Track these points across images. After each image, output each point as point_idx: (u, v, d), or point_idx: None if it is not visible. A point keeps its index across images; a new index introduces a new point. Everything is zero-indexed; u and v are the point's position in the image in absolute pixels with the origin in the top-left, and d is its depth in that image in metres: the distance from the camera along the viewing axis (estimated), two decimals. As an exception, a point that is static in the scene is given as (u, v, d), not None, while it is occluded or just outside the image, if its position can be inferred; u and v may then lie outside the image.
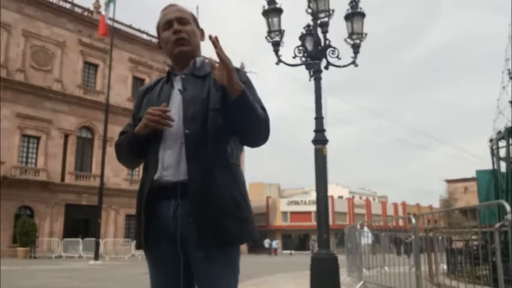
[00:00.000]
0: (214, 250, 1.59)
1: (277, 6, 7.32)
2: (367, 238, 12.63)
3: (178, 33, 1.75)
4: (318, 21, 7.19)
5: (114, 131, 31.45)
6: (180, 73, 1.78)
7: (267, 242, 44.80)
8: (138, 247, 1.74)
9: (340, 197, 54.88)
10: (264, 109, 1.70)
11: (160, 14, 1.84)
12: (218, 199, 1.60)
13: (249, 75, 1.82)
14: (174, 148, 1.65)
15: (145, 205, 1.67)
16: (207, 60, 1.67)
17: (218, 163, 1.64)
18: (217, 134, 1.65)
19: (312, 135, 6.88)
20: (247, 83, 1.74)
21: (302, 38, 7.30)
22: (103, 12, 23.66)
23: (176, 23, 1.77)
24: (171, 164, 1.65)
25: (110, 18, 24.13)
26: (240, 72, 1.76)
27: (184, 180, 1.61)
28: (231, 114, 1.60)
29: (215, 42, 1.53)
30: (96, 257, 20.14)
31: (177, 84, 1.76)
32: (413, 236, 6.68)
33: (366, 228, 13.24)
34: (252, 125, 1.65)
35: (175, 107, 1.70)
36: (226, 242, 1.62)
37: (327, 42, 7.20)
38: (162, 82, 1.84)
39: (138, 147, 1.75)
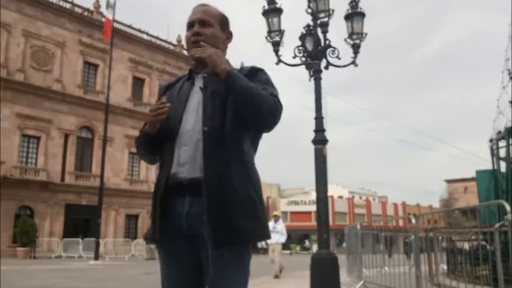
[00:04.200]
0: (227, 249, 1.58)
1: (277, 6, 7.33)
2: (279, 235, 11.35)
3: (197, 35, 1.78)
4: (318, 21, 7.20)
5: (114, 131, 31.53)
6: (202, 72, 1.80)
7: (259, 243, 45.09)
8: (148, 241, 1.75)
9: (340, 197, 54.84)
10: (274, 95, 1.70)
11: (190, 12, 1.88)
12: (233, 197, 1.60)
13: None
14: (190, 145, 1.67)
15: (160, 201, 1.68)
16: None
17: (234, 161, 1.64)
18: (234, 132, 1.66)
19: (312, 135, 6.89)
20: (263, 81, 1.75)
21: (302, 38, 7.30)
22: (108, 16, 23.64)
23: (197, 24, 1.80)
24: (186, 160, 1.66)
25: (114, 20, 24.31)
26: (262, 71, 1.80)
27: (200, 177, 1.61)
28: (231, 99, 1.64)
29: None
30: (96, 257, 20.12)
31: (198, 83, 1.78)
32: (413, 236, 6.68)
33: (280, 222, 11.84)
34: (249, 102, 1.62)
35: (194, 104, 1.73)
36: (240, 241, 1.62)
37: (327, 42, 7.20)
38: (183, 80, 1.87)
39: (150, 145, 1.77)
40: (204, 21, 1.80)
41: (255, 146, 1.79)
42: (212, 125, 1.65)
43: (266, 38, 7.36)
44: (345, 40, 7.37)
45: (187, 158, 1.66)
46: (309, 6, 7.28)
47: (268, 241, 12.06)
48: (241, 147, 1.68)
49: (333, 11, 7.19)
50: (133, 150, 34.13)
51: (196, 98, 1.74)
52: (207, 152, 1.63)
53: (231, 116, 1.66)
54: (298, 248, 46.06)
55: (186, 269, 1.67)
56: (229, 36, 1.90)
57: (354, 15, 7.33)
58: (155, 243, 1.73)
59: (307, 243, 48.67)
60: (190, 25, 1.82)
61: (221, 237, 1.56)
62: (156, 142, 1.75)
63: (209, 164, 1.61)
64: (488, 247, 5.69)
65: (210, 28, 1.81)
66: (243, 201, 1.62)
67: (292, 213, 49.74)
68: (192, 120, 1.69)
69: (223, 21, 1.87)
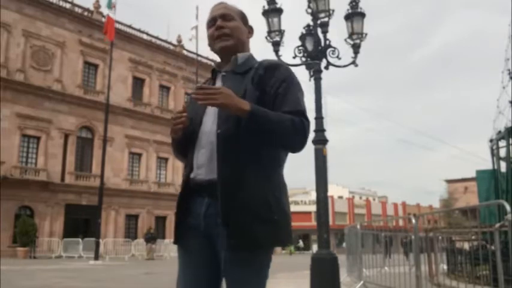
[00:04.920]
0: (242, 252, 1.56)
1: (277, 6, 7.32)
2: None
3: (220, 28, 1.77)
4: (318, 21, 7.19)
5: (114, 131, 31.52)
6: (222, 71, 1.78)
7: None
8: (174, 242, 1.76)
9: (340, 197, 54.88)
10: (300, 112, 1.62)
11: (209, 13, 1.86)
12: (247, 199, 1.57)
13: None
14: (207, 147, 1.66)
15: (179, 201, 1.71)
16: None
17: (250, 162, 1.61)
18: (250, 133, 1.61)
19: (312, 135, 6.88)
20: (287, 81, 1.69)
21: (302, 38, 7.30)
22: (111, 15, 23.63)
23: (220, 19, 1.78)
24: (203, 162, 1.66)
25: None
26: (281, 68, 1.73)
27: (216, 178, 1.61)
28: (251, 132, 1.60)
29: (196, 94, 1.57)
30: (96, 257, 20.13)
31: (218, 82, 1.77)
32: (413, 236, 6.68)
33: None
34: (274, 140, 1.62)
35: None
36: (254, 245, 1.58)
37: (327, 42, 7.20)
38: (209, 81, 1.85)
39: (180, 148, 1.79)
40: (226, 15, 1.79)
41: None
42: (226, 127, 1.62)
43: (266, 38, 7.35)
44: (345, 40, 7.37)
45: (204, 160, 1.66)
46: (309, 6, 7.28)
47: None
48: (259, 148, 1.64)
49: (333, 11, 7.18)
50: (133, 150, 34.25)
51: None
52: (220, 154, 1.61)
53: None
54: (292, 248, 46.19)
55: (203, 268, 1.67)
56: (250, 31, 1.88)
57: (354, 15, 7.32)
58: (176, 243, 1.73)
59: (300, 243, 48.82)
60: (212, 22, 1.80)
61: (235, 240, 1.55)
62: (184, 145, 1.76)
63: (222, 167, 1.60)
64: (488, 247, 5.69)
65: (233, 21, 1.79)
66: (258, 204, 1.58)
67: (292, 213, 48.93)
68: (210, 122, 1.68)
69: (243, 16, 1.86)
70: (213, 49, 1.83)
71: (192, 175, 1.69)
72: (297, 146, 1.66)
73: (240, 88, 1.66)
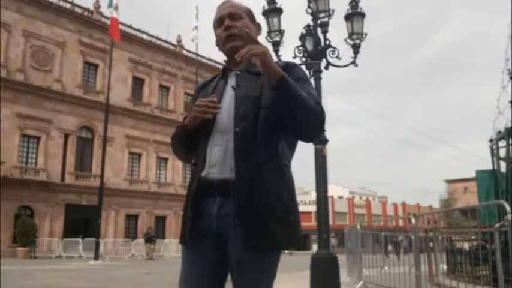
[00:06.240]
0: (256, 253, 1.53)
1: (277, 6, 7.33)
2: None
3: (229, 29, 1.73)
4: (318, 21, 7.19)
5: (114, 131, 31.52)
6: (235, 69, 1.75)
7: None
8: (180, 241, 1.71)
9: (340, 197, 54.86)
10: (318, 103, 1.63)
11: (215, 12, 1.83)
12: (264, 200, 1.55)
13: None
14: (221, 145, 1.63)
15: (191, 201, 1.66)
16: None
17: (266, 162, 1.59)
18: (267, 133, 1.61)
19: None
20: (303, 79, 1.70)
21: (302, 38, 7.30)
22: (115, 15, 23.58)
23: (228, 19, 1.75)
24: (217, 161, 1.62)
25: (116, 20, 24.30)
26: (297, 67, 1.75)
27: (230, 178, 1.58)
28: (277, 102, 1.57)
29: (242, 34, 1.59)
30: (96, 257, 20.14)
31: (231, 81, 1.74)
32: (413, 236, 6.69)
33: None
34: (297, 112, 1.58)
35: (226, 104, 1.69)
36: (272, 246, 1.57)
37: (327, 42, 7.20)
38: (218, 78, 1.82)
39: (187, 140, 1.73)
40: (234, 14, 1.75)
41: (292, 147, 1.73)
42: (244, 126, 1.60)
43: (266, 38, 7.36)
44: (345, 40, 7.37)
45: (218, 158, 1.62)
46: (309, 6, 7.28)
47: None
48: (276, 148, 1.62)
49: (333, 11, 7.19)
50: (133, 150, 34.25)
51: (229, 97, 1.70)
52: (237, 153, 1.58)
53: (264, 116, 1.61)
54: None
55: (208, 268, 1.64)
56: (258, 28, 1.85)
57: (354, 15, 7.33)
58: (183, 243, 1.69)
59: None
60: (220, 21, 1.76)
61: (254, 241, 1.52)
62: (193, 137, 1.71)
63: (240, 166, 1.57)
64: (488, 247, 5.69)
65: (241, 20, 1.75)
66: (274, 204, 1.56)
67: (292, 213, 49.57)
68: (225, 119, 1.65)
69: (250, 14, 1.82)
70: (222, 49, 1.80)
71: (203, 173, 1.64)
72: (315, 130, 1.65)
73: (255, 88, 1.66)
